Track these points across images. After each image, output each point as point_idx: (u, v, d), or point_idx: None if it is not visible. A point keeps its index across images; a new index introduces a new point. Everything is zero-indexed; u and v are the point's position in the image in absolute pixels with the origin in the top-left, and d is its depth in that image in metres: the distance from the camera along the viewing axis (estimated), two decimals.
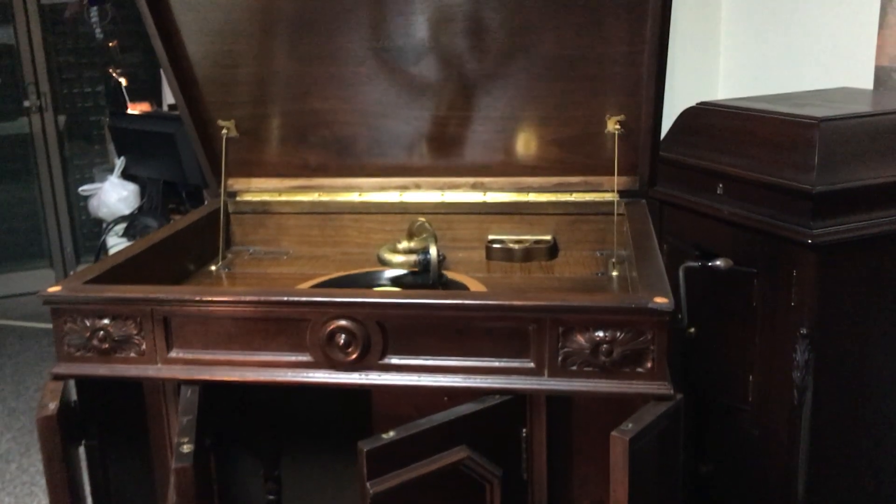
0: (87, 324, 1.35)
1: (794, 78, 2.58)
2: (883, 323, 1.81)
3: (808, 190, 1.72)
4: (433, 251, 1.55)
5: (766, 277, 1.83)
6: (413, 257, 1.57)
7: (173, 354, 1.35)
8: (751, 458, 1.94)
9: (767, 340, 1.85)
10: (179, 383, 1.35)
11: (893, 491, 1.89)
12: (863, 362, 1.82)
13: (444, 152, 1.80)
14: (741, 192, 1.89)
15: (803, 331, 1.75)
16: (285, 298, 1.30)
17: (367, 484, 1.16)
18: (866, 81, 2.33)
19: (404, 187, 1.83)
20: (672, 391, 1.23)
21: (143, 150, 3.02)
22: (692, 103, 2.13)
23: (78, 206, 5.14)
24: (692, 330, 2.04)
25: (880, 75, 2.24)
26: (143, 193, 3.07)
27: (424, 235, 1.61)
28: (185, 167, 2.84)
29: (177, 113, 3.05)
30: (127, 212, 3.03)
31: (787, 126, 1.85)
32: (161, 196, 3.01)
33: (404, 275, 1.62)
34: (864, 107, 1.95)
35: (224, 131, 1.80)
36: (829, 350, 1.77)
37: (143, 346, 1.35)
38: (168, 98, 3.69)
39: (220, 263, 1.78)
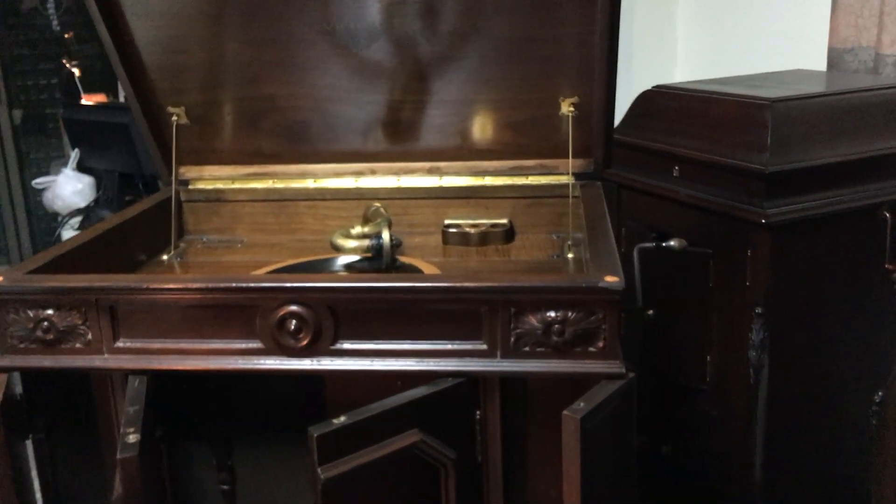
0: (31, 314, 1.32)
1: (750, 60, 2.60)
2: (836, 301, 1.83)
3: (761, 170, 1.73)
4: (386, 236, 1.54)
5: (722, 258, 1.84)
6: (366, 242, 1.56)
7: (120, 344, 1.32)
8: (710, 438, 1.96)
9: (724, 320, 1.87)
10: (127, 373, 1.32)
11: (850, 467, 1.92)
12: (817, 340, 1.84)
13: (399, 137, 1.78)
14: (696, 174, 1.90)
15: (758, 310, 1.76)
16: (234, 285, 1.28)
17: (318, 469, 1.15)
18: (820, 63, 2.35)
19: (359, 173, 1.81)
20: (624, 370, 1.23)
21: (98, 141, 2.97)
22: (649, 86, 2.14)
23: (35, 201, 5.03)
24: (650, 312, 2.05)
25: (833, 57, 2.26)
26: (99, 186, 3.02)
27: (379, 220, 1.60)
28: (142, 158, 2.79)
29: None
30: (83, 204, 2.98)
31: (740, 107, 1.86)
32: (117, 188, 2.96)
33: (358, 261, 1.60)
34: (816, 87, 1.96)
35: (174, 118, 1.77)
36: (784, 329, 1.78)
37: (89, 336, 1.32)
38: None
39: (172, 253, 1.75)
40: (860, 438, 1.81)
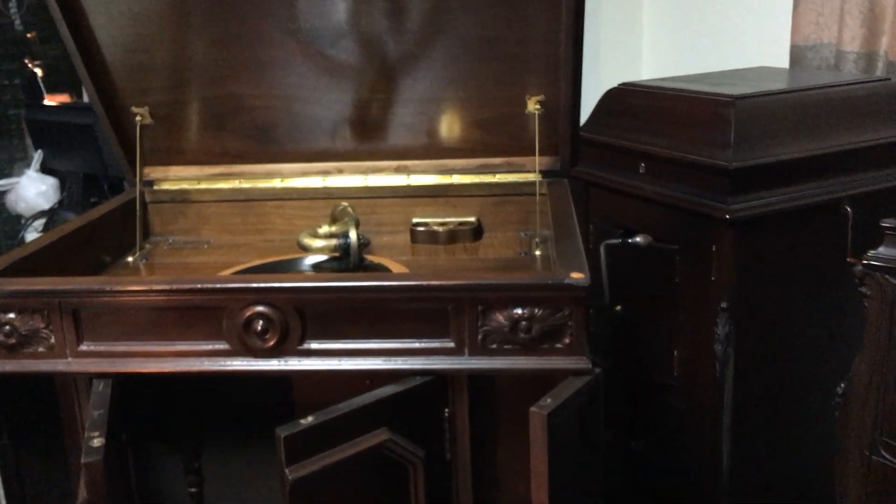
0: None
1: (715, 58, 2.63)
2: (800, 294, 1.85)
3: (724, 166, 1.75)
4: (353, 235, 1.53)
5: (688, 254, 1.86)
6: (333, 242, 1.55)
7: (84, 347, 1.31)
8: (679, 433, 1.98)
9: (690, 316, 1.89)
10: (91, 377, 1.31)
11: (815, 458, 1.95)
12: (782, 333, 1.86)
13: (366, 136, 1.78)
14: (662, 171, 1.92)
15: (723, 304, 1.78)
16: (199, 286, 1.27)
17: (286, 470, 1.15)
18: (783, 60, 2.38)
19: (327, 172, 1.81)
20: (591, 365, 1.24)
21: (62, 142, 2.93)
22: (616, 84, 2.15)
23: None
24: (618, 308, 2.06)
25: (795, 54, 2.29)
26: (63, 187, 2.98)
27: (346, 220, 1.59)
28: (107, 159, 2.76)
29: None
30: (46, 206, 2.94)
31: (704, 104, 1.88)
32: (82, 189, 2.93)
33: (325, 260, 1.60)
34: (778, 84, 1.99)
35: (138, 118, 1.75)
36: (750, 323, 1.81)
37: (52, 340, 1.30)
38: None
39: (137, 254, 1.73)
40: (825, 430, 1.84)
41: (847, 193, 1.83)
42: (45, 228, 2.81)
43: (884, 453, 1.50)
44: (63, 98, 3.45)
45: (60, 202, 2.94)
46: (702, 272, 1.82)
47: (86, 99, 3.62)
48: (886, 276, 1.44)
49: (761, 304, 1.82)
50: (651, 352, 2.02)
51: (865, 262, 1.46)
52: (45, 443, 1.42)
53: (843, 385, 1.55)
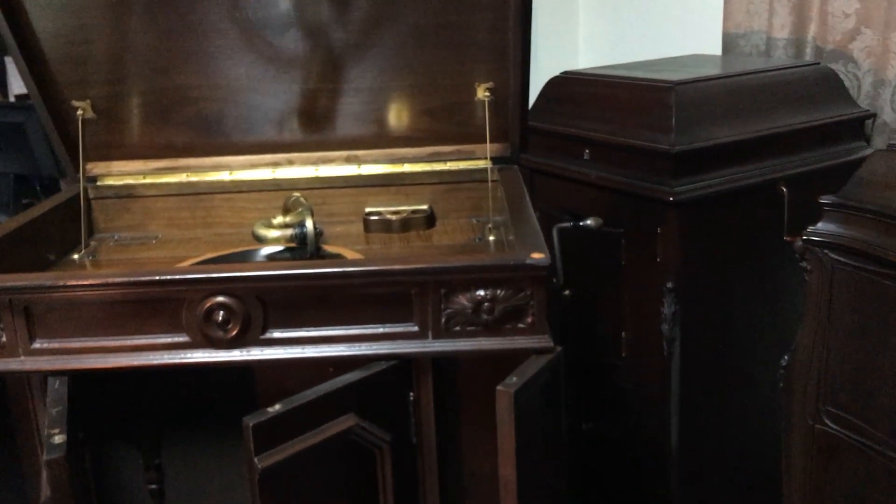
0: None
1: (649, 46, 2.69)
2: (742, 272, 1.92)
3: (667, 150, 1.80)
4: (310, 224, 1.53)
5: (633, 236, 1.91)
6: (289, 231, 1.55)
7: (37, 345, 1.28)
8: (627, 412, 2.03)
9: (637, 297, 1.93)
10: (46, 375, 1.27)
11: (760, 431, 2.02)
12: (726, 311, 1.93)
13: (315, 126, 1.77)
14: (606, 156, 1.96)
15: (669, 285, 1.83)
16: (157, 278, 1.25)
17: (255, 459, 1.14)
18: (715, 47, 2.46)
19: (276, 163, 1.79)
20: (552, 344, 1.27)
21: None
22: (554, 73, 2.19)
23: None
24: (567, 292, 2.10)
25: (727, 41, 2.37)
26: None
27: (300, 210, 1.59)
28: (38, 159, 2.67)
29: (26, 103, 2.86)
30: None
31: (645, 90, 1.93)
32: (13, 191, 2.83)
33: (281, 251, 1.59)
34: (714, 70, 2.05)
35: (79, 112, 1.71)
36: (694, 302, 1.86)
37: (3, 338, 1.27)
38: (14, 89, 3.46)
39: (83, 252, 1.69)
40: (770, 404, 1.91)
41: (782, 174, 1.90)
42: None
43: (827, 421, 1.56)
44: None
45: None
46: (647, 254, 1.87)
47: (11, 98, 3.50)
48: (825, 251, 1.50)
49: (705, 283, 1.88)
50: (599, 334, 2.06)
51: (805, 237, 1.52)
52: None
53: (786, 357, 1.61)
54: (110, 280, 1.25)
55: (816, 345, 1.56)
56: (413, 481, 1.34)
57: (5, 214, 2.75)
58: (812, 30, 2.16)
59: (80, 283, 1.26)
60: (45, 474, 1.11)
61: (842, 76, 2.09)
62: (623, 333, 1.99)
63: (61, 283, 1.26)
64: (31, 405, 1.32)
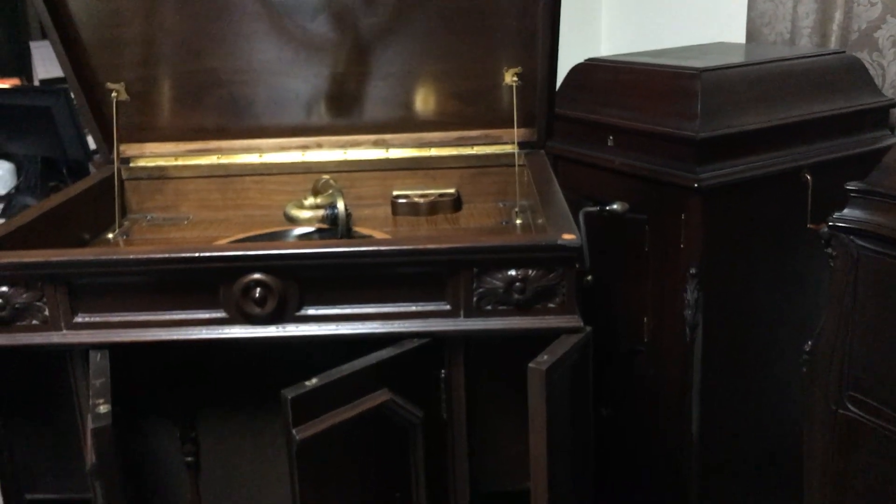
0: None
1: (672, 34, 2.70)
2: (764, 259, 1.94)
3: (692, 137, 1.81)
4: (341, 205, 1.55)
5: (657, 222, 1.92)
6: (321, 212, 1.57)
7: (79, 319, 1.31)
8: (648, 397, 2.05)
9: (660, 283, 1.95)
10: (87, 348, 1.30)
11: (780, 417, 2.04)
12: (747, 297, 1.94)
13: (344, 110, 1.80)
14: (630, 143, 1.97)
15: (692, 271, 1.85)
16: (196, 254, 1.28)
17: (293, 431, 1.17)
18: (739, 36, 2.46)
19: (306, 146, 1.82)
20: (582, 323, 1.29)
21: (16, 126, 2.86)
22: (577, 61, 2.20)
23: None
24: (589, 278, 2.12)
25: (752, 29, 2.37)
26: (19, 172, 2.91)
27: (330, 191, 1.61)
28: (65, 141, 2.71)
29: (53, 87, 2.89)
30: (3, 192, 2.87)
31: (670, 78, 1.94)
32: (39, 174, 2.86)
33: (312, 232, 1.61)
34: (739, 58, 2.06)
35: (114, 94, 1.74)
36: (717, 288, 1.88)
37: (47, 313, 1.30)
38: (40, 73, 3.50)
39: (116, 231, 1.72)
40: (791, 391, 1.93)
41: (806, 162, 1.91)
42: (3, 214, 2.75)
43: (850, 406, 1.58)
44: (13, 82, 3.36)
45: (17, 187, 2.88)
46: (671, 240, 1.89)
47: (36, 82, 3.54)
48: (851, 237, 1.52)
49: (728, 269, 1.90)
50: (621, 320, 2.08)
51: (831, 223, 1.53)
52: (37, 418, 1.41)
53: (810, 343, 1.63)
54: (151, 256, 1.28)
55: (840, 330, 1.57)
56: (443, 457, 1.36)
57: (33, 197, 2.79)
58: (837, 18, 2.16)
59: (121, 257, 1.29)
60: (90, 442, 1.14)
61: (867, 65, 2.10)
62: (645, 319, 2.01)
63: (104, 257, 1.29)
64: (74, 379, 1.35)
